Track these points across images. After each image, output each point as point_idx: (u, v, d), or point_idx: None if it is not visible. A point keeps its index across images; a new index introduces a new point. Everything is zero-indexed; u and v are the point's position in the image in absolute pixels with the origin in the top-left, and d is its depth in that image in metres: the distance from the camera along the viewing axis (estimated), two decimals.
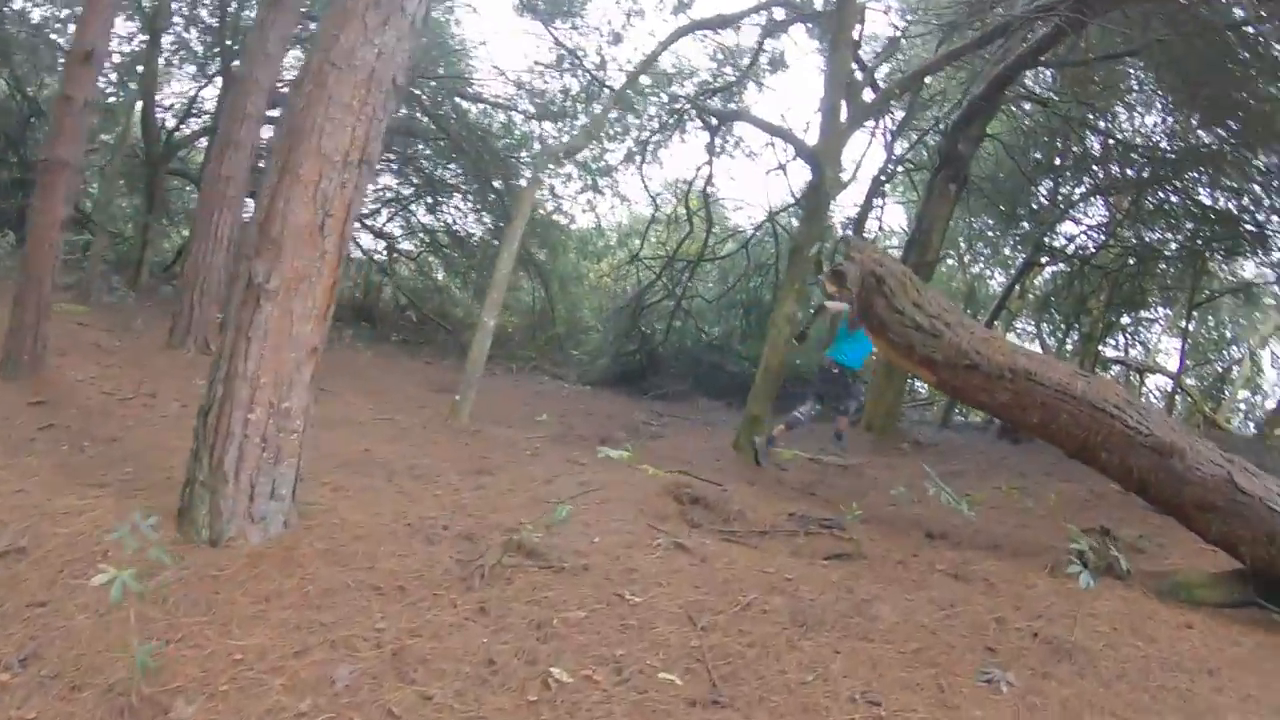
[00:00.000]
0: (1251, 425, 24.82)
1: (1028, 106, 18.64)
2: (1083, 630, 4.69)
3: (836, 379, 10.68)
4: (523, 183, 21.36)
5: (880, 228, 23.36)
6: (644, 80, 19.33)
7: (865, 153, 24.29)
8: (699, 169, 20.43)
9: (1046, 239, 20.81)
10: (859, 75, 14.76)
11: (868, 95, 15.31)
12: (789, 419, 10.63)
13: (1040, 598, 5.22)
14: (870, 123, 19.80)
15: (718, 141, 20.42)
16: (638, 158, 21.11)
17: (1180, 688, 4.15)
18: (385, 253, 24.06)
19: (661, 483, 7.41)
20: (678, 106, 19.96)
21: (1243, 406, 26.47)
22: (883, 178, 20.83)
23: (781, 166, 20.24)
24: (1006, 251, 24.04)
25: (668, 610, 4.35)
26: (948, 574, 5.64)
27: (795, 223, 19.65)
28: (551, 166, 19.83)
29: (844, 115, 12.80)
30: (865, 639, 4.30)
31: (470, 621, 3.95)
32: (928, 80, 18.61)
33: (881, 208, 22.97)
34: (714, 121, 19.64)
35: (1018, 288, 22.42)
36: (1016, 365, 6.38)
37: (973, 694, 3.83)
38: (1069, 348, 23.08)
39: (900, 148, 21.23)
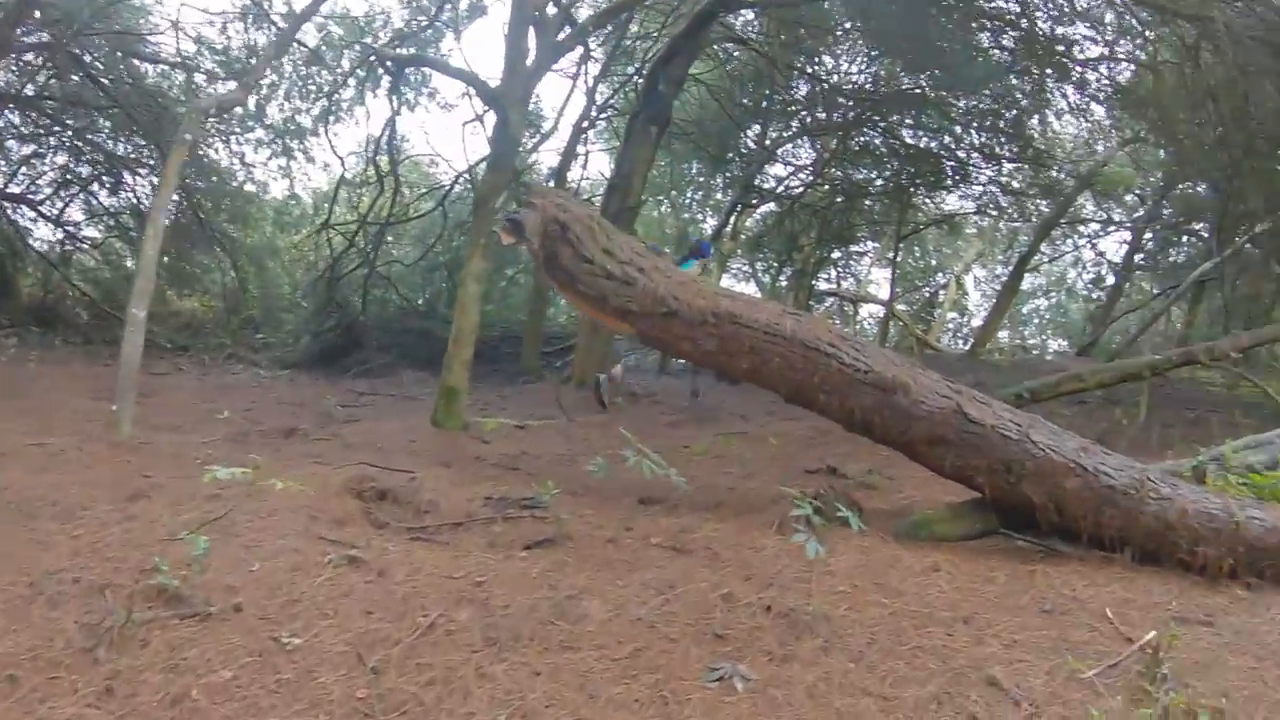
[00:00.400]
0: (961, 342, 26.45)
1: (734, 49, 18.78)
2: (821, 594, 4.36)
3: None
4: (211, 154, 19.52)
5: (584, 177, 22.95)
6: (336, 30, 18.17)
7: (567, 100, 23.76)
8: (385, 123, 18.93)
9: (756, 180, 21.12)
10: (552, 11, 13.87)
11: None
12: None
13: (770, 561, 4.88)
14: (572, 68, 19.17)
15: (410, 94, 19.31)
16: (330, 116, 19.60)
17: (937, 645, 3.90)
18: (63, 243, 21.26)
19: (342, 478, 6.60)
20: (370, 59, 18.47)
21: (951, 327, 28.30)
22: (585, 125, 20.43)
23: (479, 117, 19.09)
24: (718, 196, 24.31)
25: (333, 651, 3.72)
26: (665, 547, 5.21)
27: None
28: (211, 122, 18.00)
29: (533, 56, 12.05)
30: (571, 648, 3.80)
31: (93, 709, 3.24)
32: (634, 28, 18.17)
33: (585, 156, 22.58)
34: (395, 69, 18.32)
35: (730, 229, 22.63)
36: (720, 309, 6.07)
37: (703, 701, 3.40)
38: (783, 284, 23.81)
39: (604, 94, 21.06)
